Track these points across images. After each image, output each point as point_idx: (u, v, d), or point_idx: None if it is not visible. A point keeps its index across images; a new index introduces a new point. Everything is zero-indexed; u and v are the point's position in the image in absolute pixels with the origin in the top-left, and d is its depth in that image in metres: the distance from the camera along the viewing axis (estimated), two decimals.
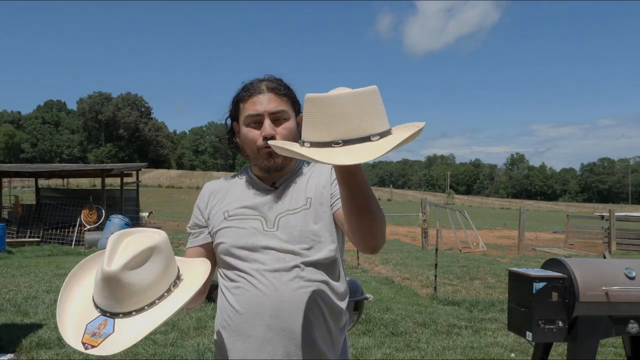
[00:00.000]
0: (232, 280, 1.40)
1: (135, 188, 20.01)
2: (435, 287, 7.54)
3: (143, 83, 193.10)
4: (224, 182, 1.57)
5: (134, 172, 19.96)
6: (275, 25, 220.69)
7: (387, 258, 11.91)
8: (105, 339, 1.13)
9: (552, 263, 3.05)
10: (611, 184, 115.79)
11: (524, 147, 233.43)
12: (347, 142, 1.02)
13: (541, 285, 2.82)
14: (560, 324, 2.82)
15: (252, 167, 1.53)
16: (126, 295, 1.15)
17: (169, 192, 48.06)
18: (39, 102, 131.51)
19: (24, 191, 32.92)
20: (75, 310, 1.23)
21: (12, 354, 4.51)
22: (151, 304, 1.18)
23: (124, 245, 1.22)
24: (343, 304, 1.44)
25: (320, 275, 1.38)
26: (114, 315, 1.16)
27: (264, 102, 1.42)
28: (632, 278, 2.84)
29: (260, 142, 1.42)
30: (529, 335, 2.85)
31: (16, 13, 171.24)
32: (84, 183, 40.86)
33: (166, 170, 78.72)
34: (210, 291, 1.47)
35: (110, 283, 1.14)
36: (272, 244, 1.39)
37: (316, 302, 1.35)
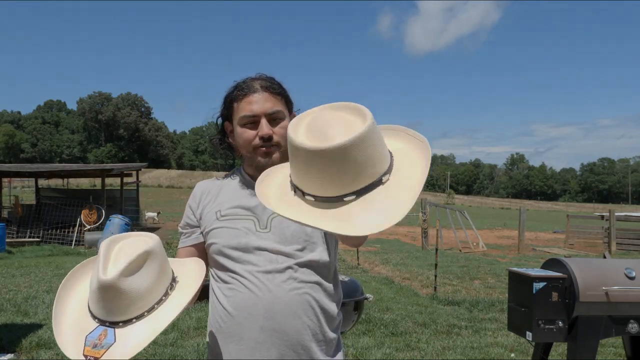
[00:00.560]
0: (224, 282, 1.39)
1: (135, 188, 20.03)
2: (435, 287, 7.54)
3: (143, 83, 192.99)
4: (216, 182, 1.55)
5: (134, 172, 19.99)
6: (275, 25, 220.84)
7: (387, 258, 11.91)
8: (107, 349, 1.11)
9: (552, 263, 3.05)
10: (611, 184, 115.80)
11: (524, 147, 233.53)
12: (359, 193, 0.96)
13: (541, 285, 2.82)
14: (560, 324, 2.82)
15: (246, 167, 1.51)
16: (125, 303, 1.13)
17: (169, 192, 48.04)
18: (39, 102, 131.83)
19: (24, 191, 32.93)
20: (71, 322, 1.20)
21: (12, 354, 4.51)
22: (150, 310, 1.16)
23: (116, 251, 1.18)
24: (336, 306, 1.43)
25: (314, 277, 1.37)
26: (113, 324, 1.14)
27: (260, 102, 1.41)
28: (632, 278, 2.84)
29: (256, 141, 1.41)
30: (529, 335, 2.85)
31: (16, 13, 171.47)
32: (84, 183, 40.88)
33: (166, 170, 78.71)
34: (206, 291, 1.46)
35: (108, 291, 1.11)
36: (264, 244, 1.37)
37: (310, 304, 1.34)
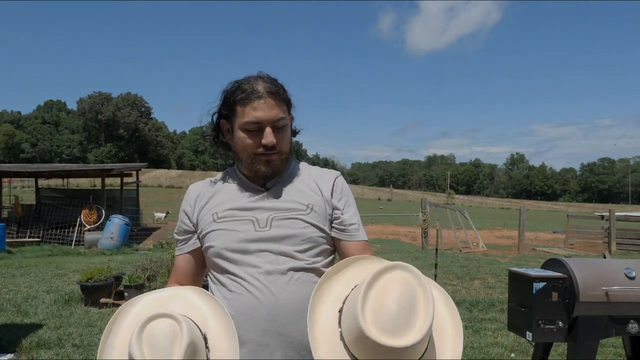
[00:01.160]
0: (224, 285, 1.37)
1: (135, 188, 20.03)
2: None
3: (143, 83, 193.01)
4: (210, 184, 1.52)
5: (134, 172, 19.99)
6: (276, 24, 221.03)
7: (387, 258, 11.87)
8: None
9: (552, 263, 3.04)
10: (611, 184, 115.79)
11: (524, 147, 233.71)
12: None
13: (541, 285, 2.81)
14: (560, 324, 2.82)
15: (241, 167, 1.48)
16: None
17: (169, 192, 47.96)
18: (39, 102, 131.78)
19: (24, 191, 32.89)
20: None
21: (12, 354, 4.51)
22: None
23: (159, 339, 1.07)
24: None
25: (316, 278, 1.34)
26: None
27: (265, 110, 1.37)
28: (632, 278, 2.83)
29: (260, 149, 1.38)
30: (529, 335, 2.85)
31: (16, 13, 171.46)
32: (84, 183, 40.83)
33: (166, 170, 78.59)
34: None
35: None
36: (265, 245, 1.35)
37: None
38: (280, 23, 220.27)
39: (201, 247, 1.45)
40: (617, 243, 16.03)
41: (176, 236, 1.52)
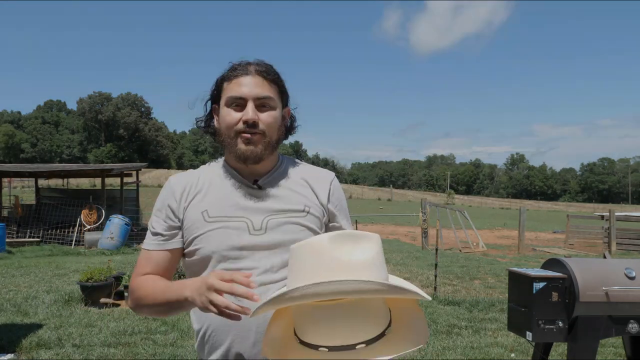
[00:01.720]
0: None
1: (135, 188, 20.01)
2: (435, 287, 7.54)
3: (143, 83, 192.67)
4: (195, 176, 1.40)
5: (134, 172, 19.97)
6: (280, 21, 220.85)
7: (387, 258, 11.89)
8: None
9: (552, 263, 3.04)
10: (611, 184, 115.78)
11: (524, 147, 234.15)
12: (332, 349, 1.01)
13: (541, 285, 2.82)
14: (560, 324, 2.82)
15: (228, 157, 1.40)
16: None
17: None
18: (39, 102, 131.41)
19: (24, 191, 32.90)
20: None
21: (12, 354, 4.51)
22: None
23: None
24: None
25: None
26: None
27: (250, 85, 1.31)
28: (632, 278, 2.83)
29: (240, 126, 1.30)
30: (529, 335, 2.85)
31: (16, 13, 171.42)
32: (84, 183, 40.83)
33: (166, 170, 78.50)
34: None
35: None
36: (259, 254, 1.29)
37: None
38: (283, 20, 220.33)
39: (184, 247, 1.35)
40: (617, 243, 16.03)
41: (155, 230, 1.35)
